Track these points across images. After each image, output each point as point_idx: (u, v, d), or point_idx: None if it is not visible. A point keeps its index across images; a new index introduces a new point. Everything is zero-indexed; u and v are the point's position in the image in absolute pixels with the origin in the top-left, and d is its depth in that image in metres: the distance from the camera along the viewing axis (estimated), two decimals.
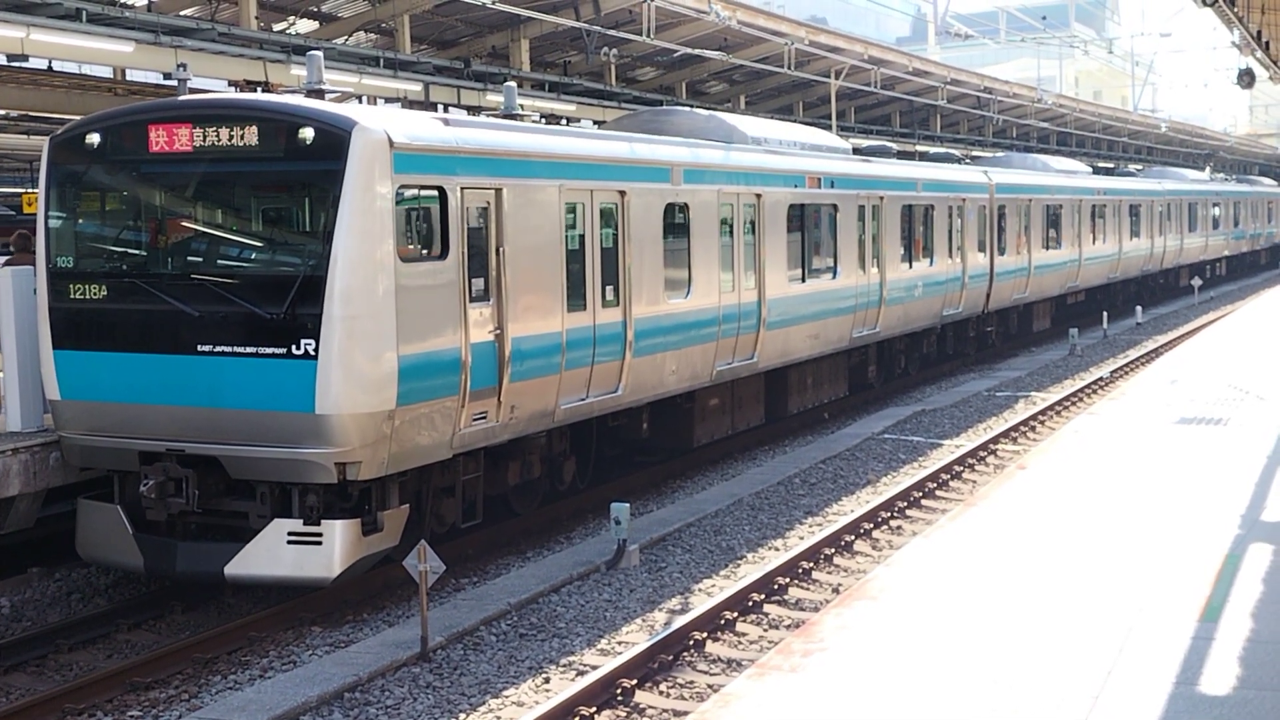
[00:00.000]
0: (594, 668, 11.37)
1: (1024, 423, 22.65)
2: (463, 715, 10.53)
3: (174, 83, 15.41)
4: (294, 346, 12.18)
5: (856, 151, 25.67)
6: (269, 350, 12.26)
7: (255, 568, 12.40)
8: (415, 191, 12.84)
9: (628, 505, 14.47)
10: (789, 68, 31.95)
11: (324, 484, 12.34)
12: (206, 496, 12.61)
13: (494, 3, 22.84)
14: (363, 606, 13.41)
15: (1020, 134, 56.09)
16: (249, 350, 12.33)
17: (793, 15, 36.41)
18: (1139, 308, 41.64)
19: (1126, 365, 30.15)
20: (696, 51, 29.78)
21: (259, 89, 14.34)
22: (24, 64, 20.82)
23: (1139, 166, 57.37)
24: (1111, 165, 54.79)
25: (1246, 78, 29.82)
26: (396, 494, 13.00)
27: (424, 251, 12.92)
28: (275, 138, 12.51)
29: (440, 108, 24.03)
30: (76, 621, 12.82)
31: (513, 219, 14.05)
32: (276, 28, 24.83)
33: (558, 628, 12.51)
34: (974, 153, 45.59)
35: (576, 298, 15.30)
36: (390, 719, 10.46)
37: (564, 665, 11.58)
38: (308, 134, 12.33)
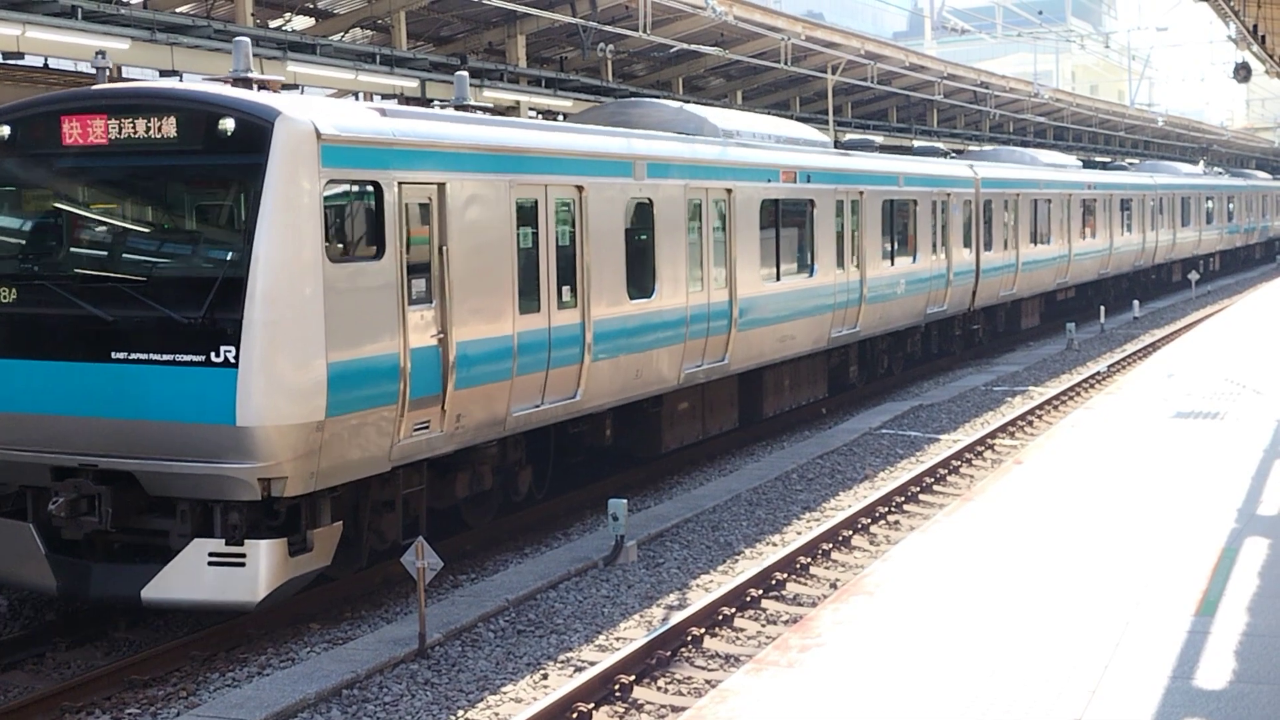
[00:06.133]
0: (592, 664, 11.39)
1: (1021, 417, 22.67)
2: (461, 712, 10.54)
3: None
4: (213, 353, 11.37)
5: (838, 145, 25.30)
6: (186, 358, 11.44)
7: (174, 591, 11.57)
8: (346, 187, 12.09)
9: (625, 501, 14.48)
10: (786, 63, 31.93)
11: (247, 501, 11.50)
12: (123, 514, 11.77)
13: None
14: (361, 603, 13.43)
15: (1017, 128, 56.07)
16: (165, 358, 11.50)
17: (789, 10, 36.41)
18: (1136, 302, 41.65)
19: (1123, 360, 30.18)
20: (693, 47, 29.74)
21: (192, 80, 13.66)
22: (20, 61, 20.80)
23: (1135, 161, 57.33)
24: (1109, 160, 54.77)
25: (1243, 72, 29.79)
26: (328, 510, 12.17)
27: (356, 251, 12.18)
28: (194, 129, 11.69)
29: (437, 104, 24.01)
30: (74, 619, 12.82)
31: (457, 216, 13.31)
32: (272, 24, 24.80)
33: (556, 624, 12.52)
34: (971, 147, 45.57)
35: (529, 299, 14.53)
36: (388, 716, 10.48)
37: (562, 661, 11.59)
38: (228, 125, 11.54)
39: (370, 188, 12.28)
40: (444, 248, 13.10)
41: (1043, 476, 14.70)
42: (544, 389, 14.83)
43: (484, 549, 15.33)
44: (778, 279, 20.44)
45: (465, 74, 15.80)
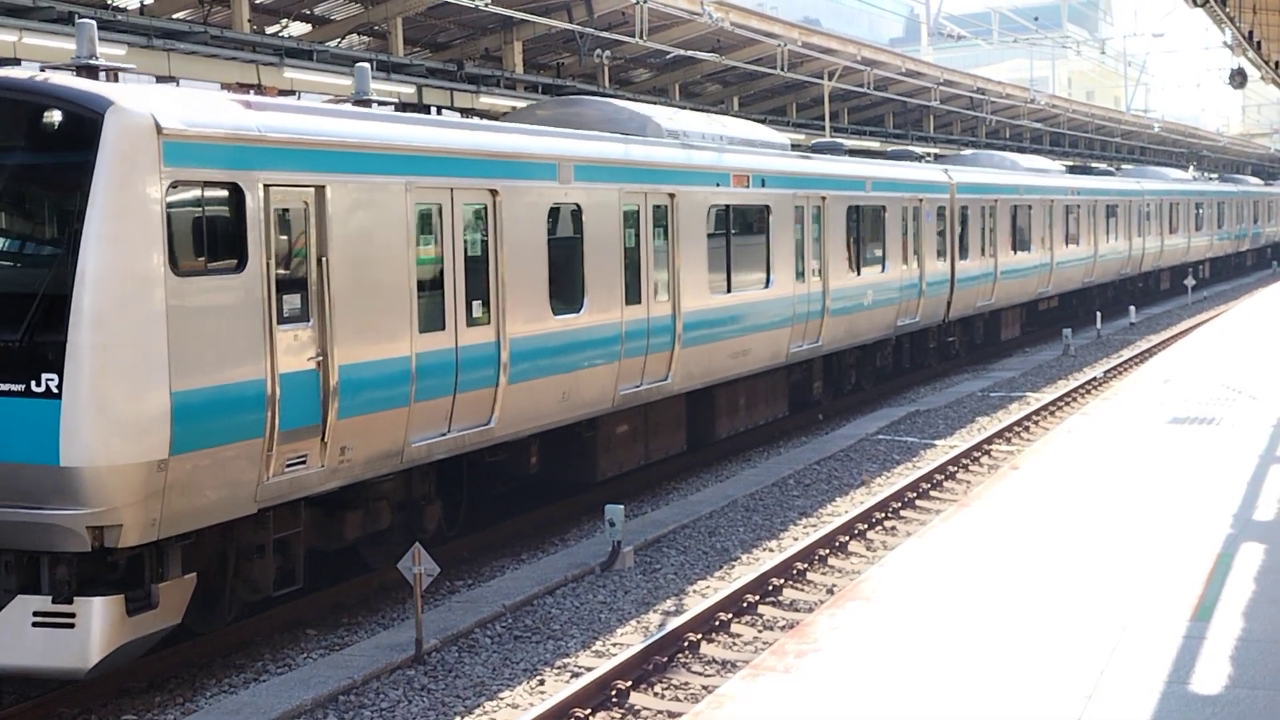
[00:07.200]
0: (589, 669, 11.40)
1: (1017, 423, 22.69)
2: (457, 718, 10.54)
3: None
4: (33, 382, 9.90)
5: (797, 148, 23.78)
6: (2, 387, 9.99)
7: None
8: (196, 190, 10.63)
9: (622, 507, 14.49)
10: (782, 69, 31.97)
11: (77, 552, 10.02)
12: None
13: (487, 5, 22.84)
14: (357, 609, 13.43)
15: (1013, 134, 56.16)
16: None
17: (785, 17, 36.41)
18: (1132, 308, 41.63)
19: (1120, 365, 30.22)
20: (689, 53, 29.79)
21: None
22: (18, 68, 20.79)
23: (1131, 166, 57.33)
24: (1104, 165, 54.79)
25: (1238, 78, 29.83)
26: (178, 560, 10.70)
27: (210, 263, 10.70)
28: (14, 122, 10.37)
29: (435, 110, 24.05)
30: None
31: (340, 223, 11.92)
32: (269, 31, 24.82)
33: (552, 629, 12.53)
34: (965, 152, 45.59)
35: (432, 316, 13.13)
36: None
37: (559, 667, 11.60)
38: (54, 117, 10.20)
39: (228, 190, 10.89)
40: (324, 259, 11.74)
41: (1040, 482, 14.70)
42: (451, 415, 13.45)
43: (480, 555, 15.34)
44: (728, 291, 19.16)
45: (366, 65, 14.35)
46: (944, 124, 50.84)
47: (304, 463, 11.56)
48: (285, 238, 11.47)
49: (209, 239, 10.74)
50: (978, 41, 61.09)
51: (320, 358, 11.68)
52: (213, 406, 10.57)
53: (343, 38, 26.15)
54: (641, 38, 26.20)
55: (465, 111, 24.58)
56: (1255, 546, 11.75)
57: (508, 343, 14.20)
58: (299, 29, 26.31)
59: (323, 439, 11.71)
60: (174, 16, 21.96)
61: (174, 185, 10.39)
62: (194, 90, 11.95)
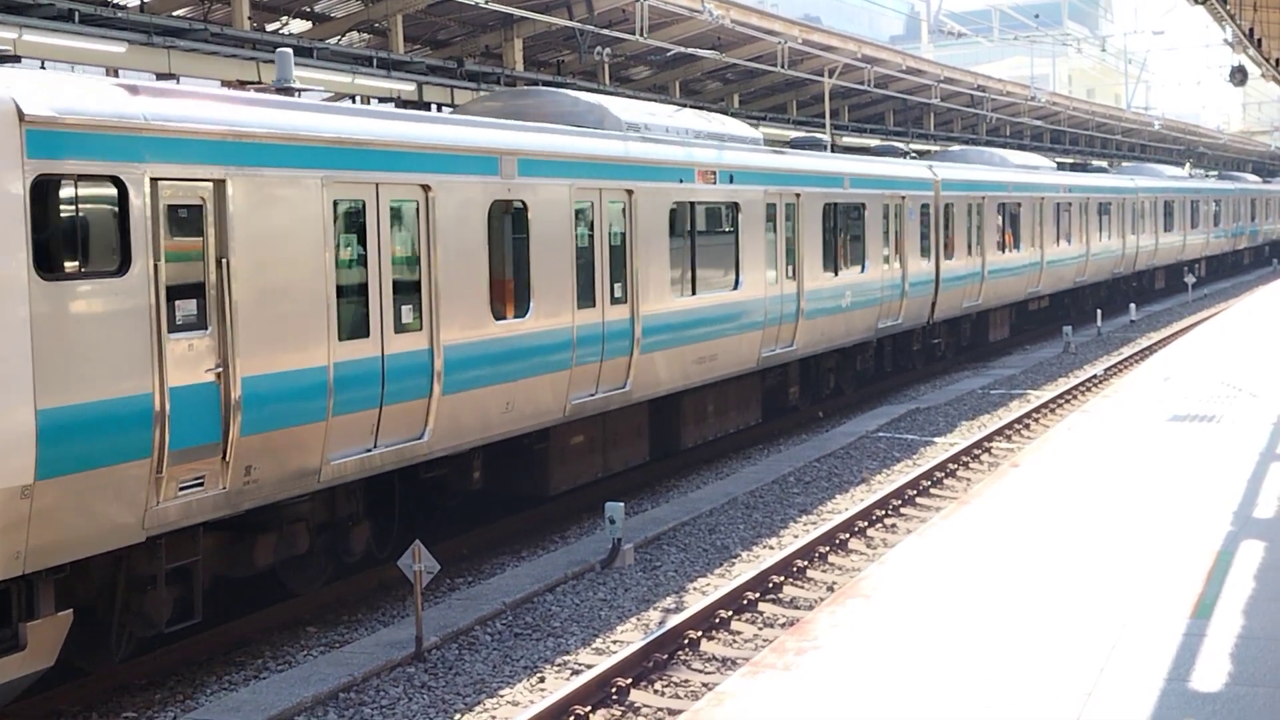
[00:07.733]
0: (589, 667, 11.40)
1: (1018, 420, 22.70)
2: (458, 715, 10.55)
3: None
4: None
5: (769, 142, 23.17)
6: None
7: None
8: (70, 185, 9.62)
9: (622, 504, 14.49)
10: (782, 67, 31.96)
11: None
12: None
13: (487, 2, 22.83)
14: (358, 606, 13.43)
15: (1014, 132, 56.14)
16: None
17: (786, 14, 36.37)
18: (1133, 305, 41.62)
19: (1120, 363, 30.23)
20: (690, 51, 29.78)
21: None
22: (17, 65, 20.75)
23: (1129, 164, 57.32)
24: (1104, 163, 54.79)
25: (1239, 75, 29.82)
26: (51, 596, 9.63)
27: (86, 266, 9.72)
28: None
29: (435, 107, 24.04)
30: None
31: (244, 221, 10.93)
32: (269, 28, 24.81)
33: (553, 627, 12.53)
34: (952, 149, 45.49)
35: (354, 322, 12.23)
36: (385, 719, 10.48)
37: (559, 664, 11.60)
38: None
39: (109, 185, 9.88)
40: (225, 260, 10.79)
41: (1039, 480, 14.70)
42: (377, 430, 12.53)
43: (481, 552, 15.34)
44: (693, 292, 18.29)
45: (289, 51, 13.32)
46: (944, 121, 50.82)
47: (201, 485, 10.62)
48: (178, 237, 10.51)
49: (84, 239, 9.77)
50: (978, 39, 61.11)
51: (220, 369, 10.77)
52: (88, 425, 9.59)
53: (343, 35, 26.13)
54: (641, 35, 26.19)
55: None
56: (1255, 544, 11.75)
57: (442, 350, 13.28)
58: (299, 26, 26.30)
59: (224, 458, 10.79)
60: (174, 14, 21.96)
61: (41, 178, 9.38)
62: (71, 75, 10.76)
